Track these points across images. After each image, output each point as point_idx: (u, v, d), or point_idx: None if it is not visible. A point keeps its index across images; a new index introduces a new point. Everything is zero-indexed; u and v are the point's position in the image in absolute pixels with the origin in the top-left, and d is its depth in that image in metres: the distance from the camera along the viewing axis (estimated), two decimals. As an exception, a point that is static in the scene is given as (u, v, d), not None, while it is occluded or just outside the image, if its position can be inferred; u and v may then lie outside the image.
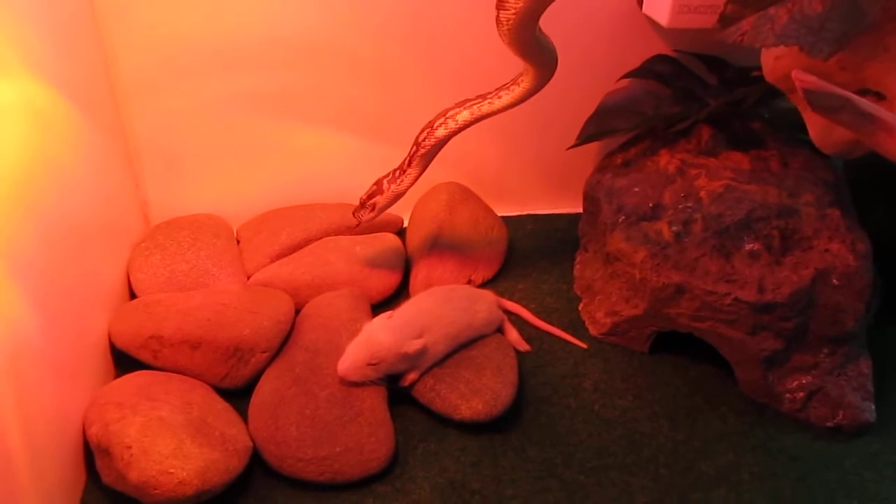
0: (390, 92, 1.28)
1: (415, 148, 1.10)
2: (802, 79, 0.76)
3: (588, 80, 1.29)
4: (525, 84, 1.04)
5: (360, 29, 1.23)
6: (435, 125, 1.08)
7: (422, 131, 1.09)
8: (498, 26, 0.95)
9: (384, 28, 1.23)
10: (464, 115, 1.07)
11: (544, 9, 0.93)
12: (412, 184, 1.13)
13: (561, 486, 0.97)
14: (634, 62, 1.27)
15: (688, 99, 1.23)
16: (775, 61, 1.03)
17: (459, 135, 1.33)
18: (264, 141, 1.30)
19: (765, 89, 1.18)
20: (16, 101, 0.92)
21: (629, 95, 1.27)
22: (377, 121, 1.30)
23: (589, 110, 1.26)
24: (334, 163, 1.33)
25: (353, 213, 1.15)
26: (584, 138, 1.24)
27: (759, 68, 1.27)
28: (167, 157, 1.30)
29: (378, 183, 1.13)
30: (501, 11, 0.93)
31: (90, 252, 1.09)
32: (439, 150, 1.11)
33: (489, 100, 1.07)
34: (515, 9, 0.91)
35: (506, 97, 1.06)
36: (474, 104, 1.07)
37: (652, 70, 1.26)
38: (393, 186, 1.12)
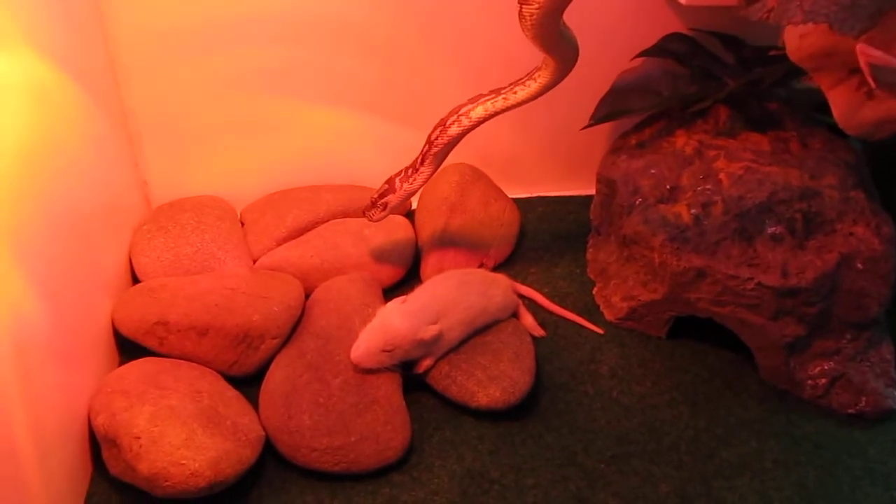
0: (398, 68, 1.25)
1: (427, 146, 1.07)
2: (868, 52, 0.73)
3: (602, 59, 1.25)
4: (543, 79, 1.01)
5: (366, 2, 1.19)
6: (448, 123, 1.05)
7: (434, 129, 1.06)
8: (521, 21, 0.92)
9: (390, 0, 1.19)
10: (477, 112, 1.04)
11: (569, 2, 0.89)
12: (425, 182, 1.10)
13: (582, 475, 0.95)
14: (649, 40, 1.24)
15: (705, 79, 1.20)
16: (800, 39, 1.00)
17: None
18: (268, 120, 1.27)
19: (784, 69, 1.15)
20: (17, 76, 0.88)
21: (644, 75, 1.24)
22: (384, 98, 1.27)
23: (602, 90, 1.23)
24: (340, 142, 1.30)
25: (364, 212, 1.12)
26: (598, 119, 1.21)
27: (777, 48, 1.25)
28: (168, 136, 1.26)
29: (390, 181, 1.10)
30: (524, 6, 0.90)
31: (91, 234, 1.05)
32: (452, 147, 1.08)
33: (504, 95, 1.04)
34: (539, 3, 0.88)
35: (521, 92, 1.03)
36: (488, 100, 1.04)
37: (667, 49, 1.23)
38: (405, 185, 1.09)
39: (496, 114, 1.04)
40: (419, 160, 1.08)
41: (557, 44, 0.95)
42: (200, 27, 1.17)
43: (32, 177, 0.89)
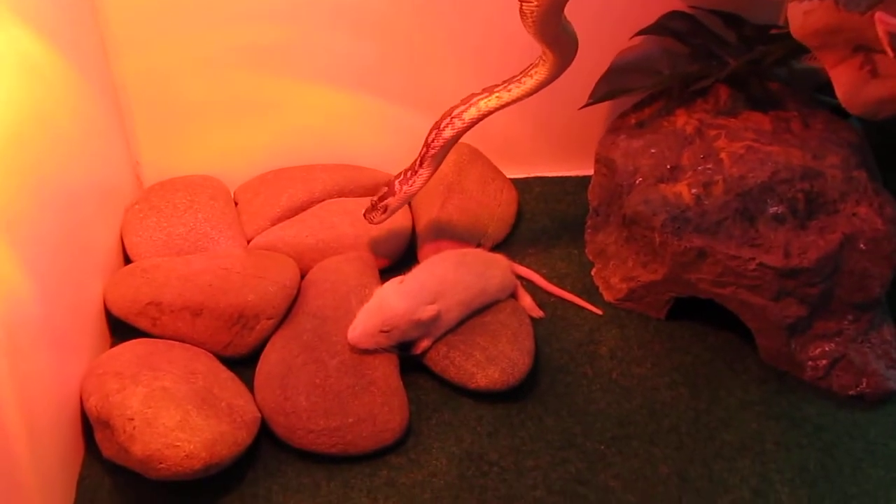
0: (395, 47, 1.23)
1: (425, 149, 1.06)
2: (887, 21, 0.71)
3: (600, 38, 1.23)
4: (539, 75, 0.98)
5: (364, -20, 1.17)
6: (442, 126, 1.03)
7: (430, 132, 1.05)
8: (522, 18, 0.90)
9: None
10: (471, 114, 1.02)
11: None
12: (424, 184, 1.08)
13: (582, 457, 0.94)
14: (649, 18, 1.22)
15: (706, 57, 1.18)
16: (805, 16, 0.98)
17: (464, 92, 1.28)
18: (262, 98, 1.24)
19: (786, 47, 1.14)
20: (4, 50, 0.86)
21: (643, 53, 1.22)
22: (381, 77, 1.25)
23: (601, 69, 1.21)
24: (335, 121, 1.27)
25: (365, 215, 1.10)
26: (597, 98, 1.19)
27: (778, 26, 1.24)
28: (159, 115, 1.23)
29: (389, 184, 1.09)
30: (525, 4, 0.88)
31: (82, 213, 1.03)
32: (450, 148, 1.07)
33: (498, 93, 1.01)
34: (539, 0, 0.86)
35: (516, 90, 1.00)
36: (481, 99, 1.02)
37: (667, 27, 1.21)
38: (405, 188, 1.08)
39: (490, 113, 1.02)
40: (418, 162, 1.07)
41: (558, 39, 0.93)
42: (193, 2, 1.14)
43: (21, 153, 0.86)
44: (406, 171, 1.08)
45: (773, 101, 1.16)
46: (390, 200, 1.08)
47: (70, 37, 1.04)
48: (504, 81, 1.01)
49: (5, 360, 0.78)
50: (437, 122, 1.04)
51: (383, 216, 1.09)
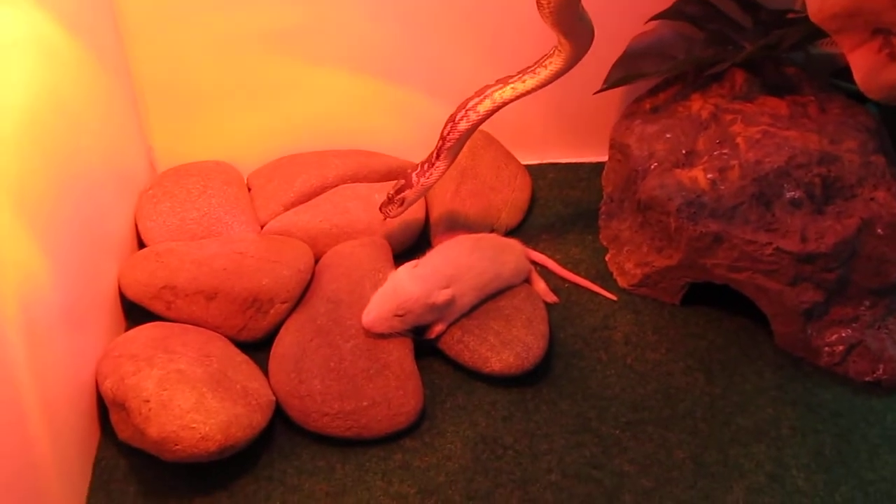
0: (410, 32, 1.22)
1: (441, 142, 1.05)
2: None
3: (615, 22, 1.22)
4: (554, 66, 0.98)
5: (378, -36, 1.17)
6: (457, 119, 1.03)
7: (445, 125, 1.04)
8: (540, 9, 0.89)
9: (403, -37, 1.17)
10: (485, 106, 1.01)
11: None
12: (441, 176, 1.08)
13: (596, 441, 0.93)
14: (664, 3, 1.21)
15: (721, 42, 1.18)
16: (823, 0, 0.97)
17: (478, 78, 1.26)
18: (275, 83, 1.24)
19: (803, 32, 1.13)
20: (22, 32, 0.86)
21: (658, 38, 1.21)
22: (395, 63, 1.24)
23: (615, 54, 1.20)
24: (349, 107, 1.27)
25: (381, 209, 1.09)
26: (612, 83, 1.19)
27: (795, 11, 1.23)
28: (173, 100, 1.23)
29: (406, 177, 1.08)
30: None
31: (98, 197, 1.03)
32: (466, 140, 1.06)
33: (512, 84, 1.00)
34: None
35: (530, 80, 0.99)
36: (496, 91, 1.01)
37: (683, 11, 1.21)
38: (422, 180, 1.07)
39: (505, 104, 1.01)
40: (434, 154, 1.06)
41: (574, 28, 0.92)
42: (207, -14, 1.14)
43: (37, 136, 0.87)
44: (423, 163, 1.08)
45: (789, 86, 1.15)
46: (407, 193, 1.07)
47: (86, 21, 1.04)
48: (519, 72, 1.00)
49: (23, 342, 0.78)
50: (451, 115, 1.03)
51: (400, 209, 1.09)
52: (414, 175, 1.07)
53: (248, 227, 1.14)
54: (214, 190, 1.17)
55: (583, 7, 0.92)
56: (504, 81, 1.01)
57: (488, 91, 1.01)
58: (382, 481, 0.90)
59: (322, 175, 1.21)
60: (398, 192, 1.08)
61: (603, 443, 0.93)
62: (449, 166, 1.08)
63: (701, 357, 1.03)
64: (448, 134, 1.04)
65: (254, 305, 1.01)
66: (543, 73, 0.98)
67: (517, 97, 1.01)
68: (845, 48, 1.00)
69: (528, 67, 1.00)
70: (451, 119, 1.03)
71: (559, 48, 0.96)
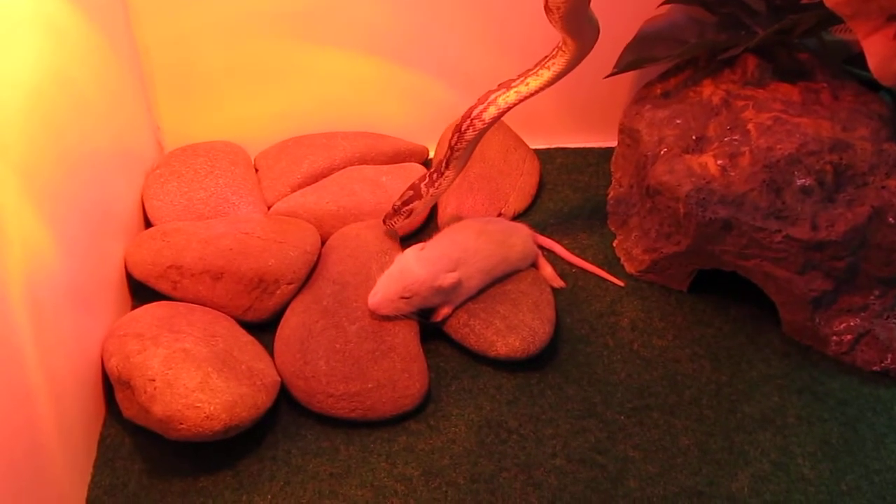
0: (418, 15, 1.21)
1: (449, 152, 1.03)
2: None
3: (626, 6, 1.21)
4: (557, 66, 0.96)
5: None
6: (463, 128, 1.01)
7: (452, 135, 1.02)
8: (548, 14, 0.88)
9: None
10: (490, 112, 0.99)
11: None
12: (450, 185, 1.06)
13: (601, 426, 0.93)
14: (676, -13, 1.20)
15: (734, 27, 1.16)
16: (838, -16, 0.96)
17: (487, 61, 1.27)
18: (283, 65, 1.24)
19: (816, 17, 1.12)
20: (29, 10, 0.86)
21: (670, 22, 1.20)
22: (403, 46, 1.24)
23: (626, 38, 1.19)
24: (357, 89, 1.27)
25: (385, 220, 1.07)
26: (623, 67, 1.18)
27: (809, -5, 1.21)
28: (181, 80, 1.23)
29: (414, 187, 1.06)
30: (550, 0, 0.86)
31: (105, 175, 1.03)
32: (474, 148, 1.04)
33: (515, 88, 0.98)
34: None
35: (534, 82, 0.98)
36: (499, 96, 0.99)
37: (695, -5, 1.19)
38: (431, 190, 1.05)
39: (510, 108, 0.99)
40: (444, 164, 1.04)
41: (582, 30, 0.91)
42: (215, -35, 1.14)
43: (46, 117, 0.86)
44: (431, 173, 1.06)
45: (801, 72, 1.14)
46: (416, 204, 1.06)
47: (95, 1, 1.03)
48: (520, 75, 0.98)
49: (30, 320, 0.78)
50: (457, 125, 1.01)
51: (406, 220, 1.07)
52: (423, 185, 1.05)
53: (254, 208, 1.14)
54: (222, 170, 1.17)
55: (590, 8, 0.91)
56: (507, 85, 0.99)
57: (492, 97, 0.99)
58: (387, 463, 0.90)
59: (329, 157, 1.21)
60: (405, 203, 1.06)
61: (608, 428, 0.93)
62: (458, 175, 1.06)
63: (708, 344, 1.03)
64: (456, 143, 1.02)
65: (260, 286, 1.00)
66: (546, 75, 0.97)
67: (521, 100, 0.99)
68: (860, 34, 0.99)
69: (530, 70, 0.98)
70: (458, 129, 1.01)
71: (563, 48, 0.95)
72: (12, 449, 0.74)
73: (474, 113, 1.00)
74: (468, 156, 1.05)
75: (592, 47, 0.95)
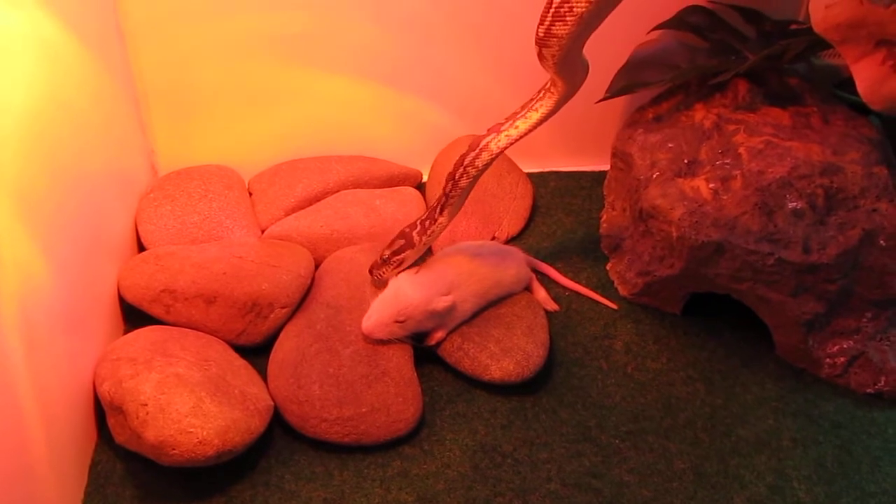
0: (413, 39, 1.22)
1: (444, 198, 1.02)
2: None
3: (618, 31, 1.22)
4: (546, 108, 0.95)
5: (382, -30, 1.17)
6: (457, 176, 1.00)
7: (446, 183, 1.01)
8: (542, 62, 0.88)
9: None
10: (483, 159, 0.98)
11: (591, 33, 0.85)
12: (442, 232, 1.04)
13: (596, 450, 0.93)
14: (667, 13, 1.21)
15: (725, 52, 1.18)
16: (826, 10, 0.97)
17: (481, 86, 1.28)
18: (277, 88, 1.24)
19: (806, 42, 1.13)
20: (25, 33, 0.86)
21: (662, 47, 1.22)
22: (397, 70, 1.24)
23: (618, 63, 1.20)
24: (351, 113, 1.27)
25: (372, 271, 1.04)
26: (615, 91, 1.19)
27: (798, 21, 1.23)
28: (175, 104, 1.23)
29: (405, 235, 1.03)
30: (545, 49, 0.86)
31: (98, 199, 1.03)
32: (469, 193, 1.03)
33: (506, 132, 0.97)
34: (559, 45, 0.84)
35: (523, 125, 0.97)
36: (490, 141, 0.98)
37: (686, 21, 1.21)
38: (424, 238, 1.03)
39: (502, 152, 0.99)
40: (437, 210, 1.02)
41: (574, 72, 0.92)
42: (210, -10, 1.14)
43: (39, 138, 0.86)
44: (422, 220, 1.03)
45: (792, 96, 1.15)
46: (408, 254, 1.03)
47: (89, 24, 1.04)
48: (508, 118, 0.98)
49: (22, 344, 0.78)
50: (451, 173, 1.00)
51: (396, 270, 1.03)
52: (415, 234, 1.02)
53: (248, 232, 1.14)
54: (215, 194, 1.17)
55: (582, 51, 0.91)
56: (496, 129, 0.98)
57: (482, 143, 0.98)
58: (381, 488, 0.89)
59: (323, 180, 1.21)
60: (395, 253, 1.03)
61: (602, 452, 0.93)
62: (450, 221, 1.04)
63: (702, 367, 1.03)
64: (450, 191, 1.01)
65: (253, 310, 1.00)
66: (535, 116, 0.96)
67: (512, 143, 0.98)
68: (849, 59, 1.01)
69: (517, 113, 0.97)
70: (451, 177, 1.00)
71: (550, 90, 0.94)
72: (2, 474, 0.74)
73: (467, 161, 0.99)
74: (462, 202, 1.03)
75: (580, 87, 0.95)
